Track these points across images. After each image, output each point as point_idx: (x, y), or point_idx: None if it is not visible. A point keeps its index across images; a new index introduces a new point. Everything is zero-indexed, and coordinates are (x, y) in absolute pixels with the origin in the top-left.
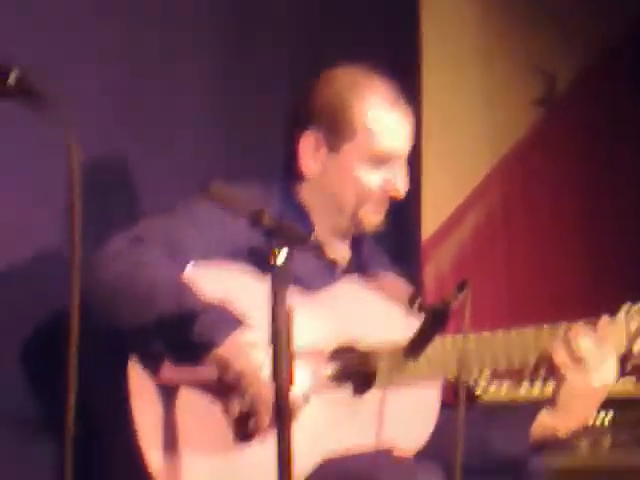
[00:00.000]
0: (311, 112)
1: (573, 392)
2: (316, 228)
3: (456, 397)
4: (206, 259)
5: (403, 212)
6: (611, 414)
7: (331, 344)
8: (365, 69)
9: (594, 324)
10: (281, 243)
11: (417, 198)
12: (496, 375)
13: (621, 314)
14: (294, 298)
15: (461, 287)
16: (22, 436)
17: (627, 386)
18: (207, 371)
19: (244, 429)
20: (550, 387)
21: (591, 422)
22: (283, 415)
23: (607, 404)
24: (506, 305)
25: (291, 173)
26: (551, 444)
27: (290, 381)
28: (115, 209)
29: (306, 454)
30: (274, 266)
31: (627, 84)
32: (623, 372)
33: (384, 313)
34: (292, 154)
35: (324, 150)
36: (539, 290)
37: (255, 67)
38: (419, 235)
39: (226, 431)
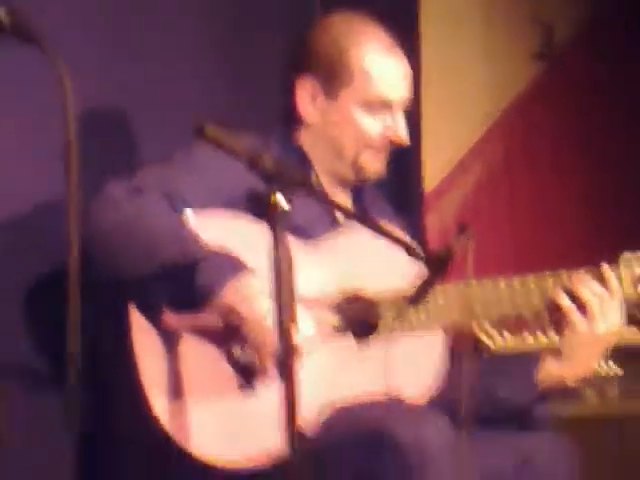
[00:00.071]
0: (308, 59)
1: (578, 340)
2: (317, 175)
3: (461, 346)
4: (205, 207)
5: (405, 165)
6: (617, 364)
7: (334, 292)
8: (362, 16)
9: (596, 272)
10: (281, 187)
11: (418, 151)
12: (501, 326)
13: (622, 261)
14: (296, 248)
15: (462, 230)
16: (27, 387)
17: (634, 336)
18: (209, 318)
19: (248, 375)
20: (555, 338)
21: (597, 372)
22: (287, 361)
23: (613, 354)
24: (509, 256)
25: (290, 120)
26: (557, 392)
27: (293, 325)
28: (114, 157)
29: (313, 401)
30: (274, 210)
31: (627, 35)
32: (629, 319)
33: (387, 260)
34: (290, 101)
35: (322, 97)
36: (542, 241)
37: (255, 14)
38: (421, 187)
39: (230, 378)
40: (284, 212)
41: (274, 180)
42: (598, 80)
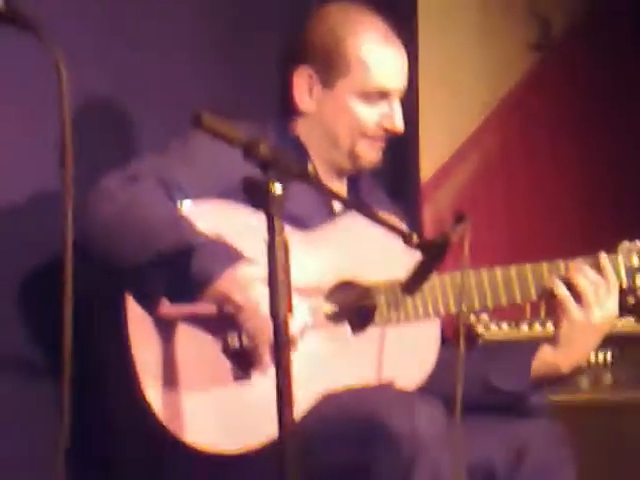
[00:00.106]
0: (305, 48)
1: (574, 328)
2: (313, 164)
3: (457, 334)
4: (201, 196)
5: (401, 155)
6: (611, 353)
7: (330, 281)
8: (358, 5)
9: (593, 260)
10: (277, 175)
11: (415, 141)
12: (496, 316)
13: (620, 250)
14: (293, 237)
15: (459, 219)
16: (22, 378)
17: (628, 325)
18: (205, 307)
19: (243, 364)
20: (550, 327)
21: (592, 360)
22: (282, 348)
23: (608, 343)
24: (506, 247)
25: (287, 110)
26: (552, 381)
27: (289, 312)
28: (110, 149)
29: (306, 389)
30: (270, 197)
31: (624, 27)
32: (624, 307)
33: (384, 250)
34: (287, 91)
35: (319, 86)
36: (539, 231)
37: (254, 9)
38: (418, 178)
39: (225, 366)
40: (280, 200)
41: (271, 168)
42: (595, 70)
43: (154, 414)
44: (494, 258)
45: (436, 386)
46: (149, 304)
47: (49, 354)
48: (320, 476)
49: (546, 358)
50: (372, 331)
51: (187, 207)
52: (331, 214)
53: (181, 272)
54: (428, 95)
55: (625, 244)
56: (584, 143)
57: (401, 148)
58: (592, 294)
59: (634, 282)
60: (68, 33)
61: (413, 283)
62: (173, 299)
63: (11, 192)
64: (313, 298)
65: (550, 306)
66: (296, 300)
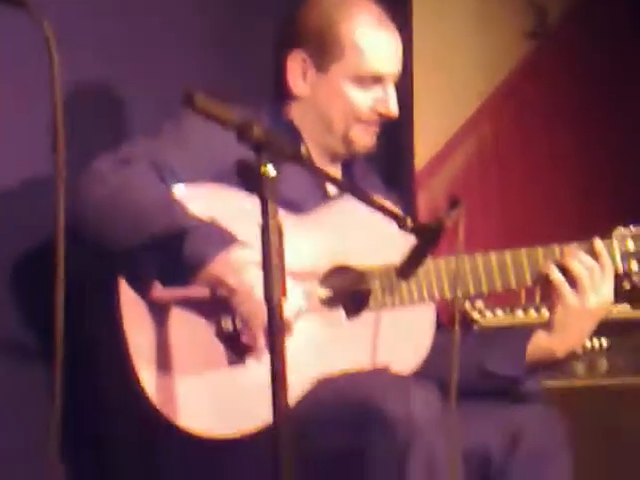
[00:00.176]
0: (299, 32)
1: (569, 313)
2: (307, 148)
3: (452, 319)
4: (194, 179)
5: (396, 143)
6: (607, 339)
7: (325, 265)
8: None
9: (588, 246)
10: (270, 157)
11: (409, 128)
12: (491, 302)
13: (615, 235)
14: (287, 221)
15: (453, 204)
16: (14, 361)
17: (623, 311)
18: (199, 290)
19: (237, 348)
20: (545, 313)
21: (588, 346)
22: (276, 331)
23: (604, 329)
24: (500, 236)
25: (281, 95)
26: (547, 366)
27: (283, 296)
28: (101, 130)
29: (301, 374)
30: (263, 179)
31: (620, 14)
32: (619, 292)
33: (378, 233)
34: (280, 75)
35: (313, 71)
36: (532, 221)
37: None
38: (412, 165)
39: (219, 350)
40: (274, 182)
41: (264, 150)
42: (591, 58)
43: (148, 398)
44: (488, 246)
45: (431, 371)
46: (142, 288)
47: (41, 337)
48: (315, 460)
49: (541, 343)
50: (367, 316)
51: (180, 191)
52: (325, 198)
53: (174, 255)
54: (423, 81)
55: (620, 229)
56: (579, 131)
57: (396, 134)
58: (587, 279)
59: (629, 267)
60: (59, 16)
61: (408, 267)
62: (166, 283)
63: (3, 176)
64: (307, 282)
65: (545, 291)
66: (290, 284)
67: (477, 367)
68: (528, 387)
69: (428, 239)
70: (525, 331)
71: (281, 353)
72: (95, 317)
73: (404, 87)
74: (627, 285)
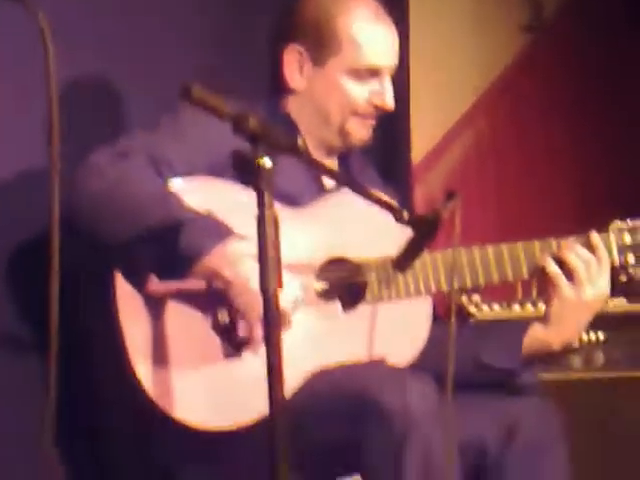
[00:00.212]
0: (295, 26)
1: (565, 305)
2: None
3: (448, 312)
4: (191, 172)
5: (393, 136)
6: (604, 332)
7: (321, 258)
8: None
9: (585, 239)
10: (267, 149)
11: (406, 122)
12: (487, 296)
13: (612, 228)
14: (283, 214)
15: (450, 196)
16: (9, 353)
17: (620, 305)
18: (195, 283)
19: (233, 341)
20: (542, 308)
21: (585, 339)
22: (272, 323)
23: (600, 322)
24: (497, 230)
25: (277, 89)
26: (543, 358)
27: (279, 287)
28: (98, 124)
29: (297, 367)
30: (259, 171)
31: (617, 7)
32: (616, 285)
33: (375, 226)
34: (277, 69)
35: (309, 64)
36: (529, 215)
37: None
38: (409, 159)
39: (216, 343)
40: (270, 174)
41: (260, 141)
42: (587, 52)
43: (144, 391)
44: (485, 240)
45: (427, 363)
46: (138, 281)
47: (36, 329)
48: (311, 452)
49: (537, 335)
50: (363, 308)
51: (177, 184)
52: (321, 191)
53: (170, 248)
54: (419, 75)
55: (617, 223)
56: (575, 124)
57: (392, 128)
58: (584, 272)
59: (626, 260)
60: (57, 10)
61: (404, 260)
62: (162, 276)
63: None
64: (304, 275)
65: (541, 284)
66: (287, 277)
67: (473, 359)
68: (524, 379)
69: (425, 231)
70: (521, 323)
71: (277, 344)
72: (91, 310)
73: (400, 81)
74: (623, 278)
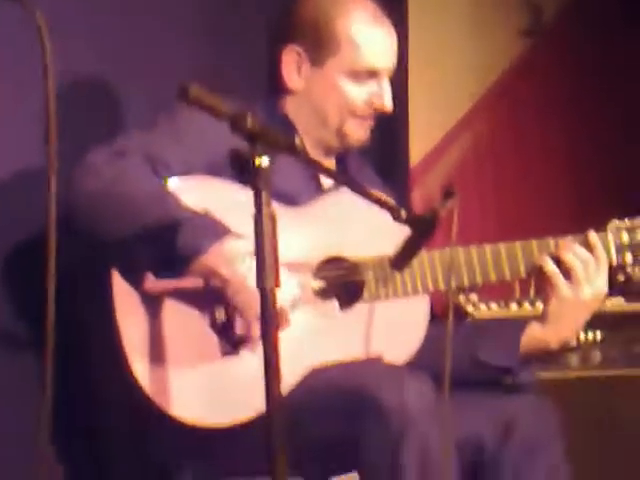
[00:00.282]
0: (294, 27)
1: (563, 304)
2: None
3: (445, 311)
4: (188, 171)
5: (391, 139)
6: (601, 332)
7: (318, 257)
8: None
9: (583, 238)
10: (265, 148)
11: (405, 125)
12: (485, 295)
13: (610, 227)
14: (280, 213)
15: (448, 195)
16: (6, 351)
17: (617, 304)
18: (192, 282)
19: (231, 339)
20: (539, 307)
21: (582, 339)
22: (269, 320)
23: (598, 322)
24: (495, 232)
25: (275, 89)
26: (541, 357)
27: (276, 286)
28: (95, 123)
29: (294, 365)
30: (257, 170)
31: (615, 12)
32: (614, 285)
33: (372, 225)
34: (275, 69)
35: (307, 65)
36: (527, 217)
37: None
38: (407, 161)
39: (213, 341)
40: (267, 173)
41: (258, 140)
42: (585, 57)
43: (141, 389)
44: (484, 241)
45: (424, 361)
46: (135, 279)
47: (33, 327)
48: (309, 449)
49: (535, 334)
50: (361, 307)
51: (174, 183)
52: (319, 190)
53: (167, 247)
54: (418, 78)
55: (615, 222)
56: (572, 127)
57: (391, 130)
58: (581, 271)
59: (624, 259)
60: (53, 8)
61: (402, 259)
62: (159, 274)
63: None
64: (301, 274)
65: (539, 283)
66: (284, 275)
67: (471, 357)
68: (521, 378)
69: (422, 230)
70: (519, 322)
71: (274, 341)
72: (88, 308)
73: (399, 83)
74: (621, 277)
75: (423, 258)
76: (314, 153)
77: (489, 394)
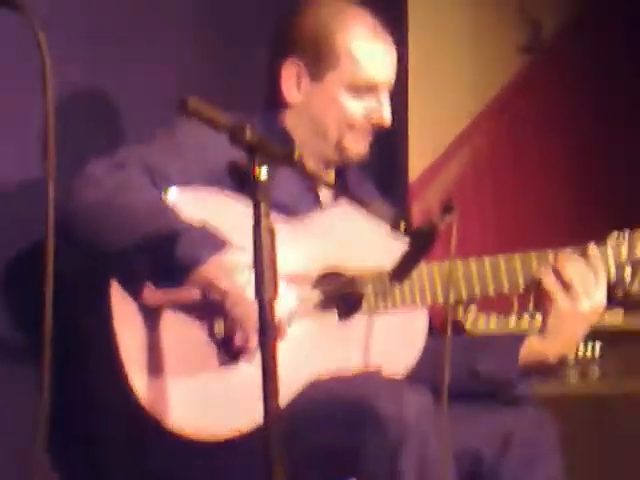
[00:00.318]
0: (294, 40)
1: (562, 317)
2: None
3: (444, 324)
4: (187, 184)
5: (390, 154)
6: (600, 346)
7: (317, 269)
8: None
9: (582, 251)
10: (263, 160)
11: (404, 140)
12: (484, 309)
13: (609, 241)
14: (279, 225)
15: (447, 209)
16: (3, 359)
17: (616, 318)
18: (191, 293)
19: (229, 350)
20: (538, 320)
21: (581, 353)
22: (267, 332)
23: (596, 336)
24: (494, 247)
25: (274, 102)
26: (540, 370)
27: (274, 298)
28: (94, 135)
29: (292, 377)
30: (255, 181)
31: (615, 29)
32: (612, 298)
33: (371, 237)
34: (275, 83)
35: (307, 79)
36: (526, 232)
37: (240, 1)
38: (406, 177)
39: (211, 353)
40: (266, 184)
41: (256, 152)
42: (583, 73)
43: (139, 400)
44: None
45: (423, 374)
46: (133, 289)
47: (31, 336)
48: (308, 458)
49: (534, 347)
50: (359, 319)
51: (173, 194)
52: (317, 202)
53: (166, 258)
54: (417, 94)
55: (614, 235)
56: (570, 142)
57: (390, 145)
58: (580, 284)
59: (623, 273)
60: (51, 20)
61: (401, 271)
62: (158, 285)
63: None
64: (300, 286)
65: (538, 296)
66: (283, 287)
67: (469, 369)
68: (519, 391)
69: (422, 243)
70: (518, 335)
71: (272, 353)
72: (86, 317)
73: (399, 99)
74: (620, 292)
75: (422, 271)
76: (313, 166)
77: (487, 407)
